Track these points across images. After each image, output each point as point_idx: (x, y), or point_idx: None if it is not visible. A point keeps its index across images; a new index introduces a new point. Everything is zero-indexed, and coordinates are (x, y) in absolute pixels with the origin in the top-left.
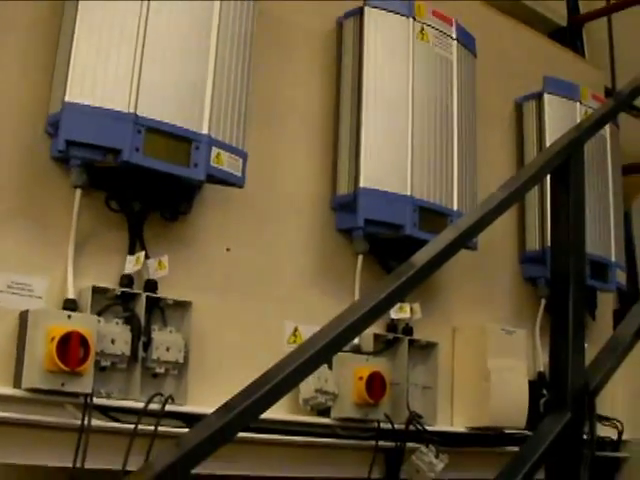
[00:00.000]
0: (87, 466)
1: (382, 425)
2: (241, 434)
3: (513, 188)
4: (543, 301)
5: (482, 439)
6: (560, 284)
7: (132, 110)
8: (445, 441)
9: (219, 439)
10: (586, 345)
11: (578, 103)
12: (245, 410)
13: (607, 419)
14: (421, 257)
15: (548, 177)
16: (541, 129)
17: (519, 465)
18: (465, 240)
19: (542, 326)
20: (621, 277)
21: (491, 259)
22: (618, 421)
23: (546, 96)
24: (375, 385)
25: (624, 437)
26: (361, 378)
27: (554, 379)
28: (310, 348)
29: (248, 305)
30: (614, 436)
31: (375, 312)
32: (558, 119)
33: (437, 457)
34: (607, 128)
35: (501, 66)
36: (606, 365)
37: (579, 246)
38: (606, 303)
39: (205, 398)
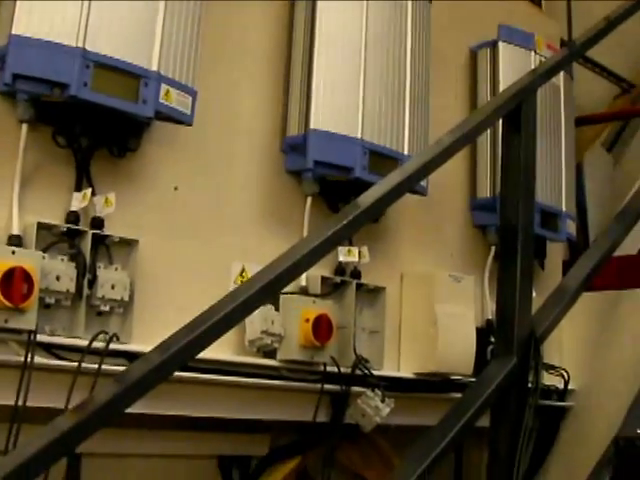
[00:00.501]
0: (29, 404)
1: (328, 368)
2: (186, 374)
3: (462, 132)
4: (493, 249)
5: (429, 385)
6: (509, 231)
7: (81, 45)
8: (391, 386)
9: (157, 376)
10: (535, 294)
11: (532, 52)
12: (184, 348)
13: (553, 368)
14: (367, 198)
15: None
16: (495, 77)
17: (463, 408)
18: (412, 183)
19: (491, 274)
20: (571, 228)
21: (442, 206)
22: (564, 370)
23: (501, 44)
24: (321, 327)
25: (570, 386)
26: (307, 320)
27: (501, 325)
28: (252, 286)
29: (195, 245)
30: (560, 385)
31: (319, 251)
32: (512, 67)
33: (383, 401)
34: (561, 79)
35: (457, 13)
36: (552, 313)
37: (529, 192)
38: (556, 253)
39: (150, 337)
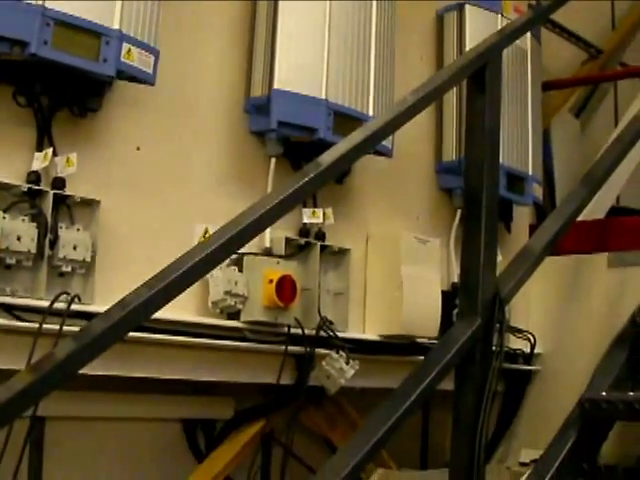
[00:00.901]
0: None
1: (292, 330)
2: (150, 335)
3: (426, 91)
4: (459, 212)
5: (394, 347)
6: (473, 193)
7: (40, 2)
8: (356, 348)
9: (117, 333)
10: (501, 257)
11: (499, 15)
12: (144, 304)
13: (520, 331)
14: (329, 156)
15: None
16: (461, 40)
17: (427, 370)
18: (375, 141)
19: (457, 237)
20: (538, 191)
21: (408, 168)
22: (531, 334)
23: (467, 7)
24: (285, 288)
25: (536, 350)
26: (271, 281)
27: (465, 287)
28: (212, 243)
29: (158, 206)
30: (527, 349)
31: (280, 209)
32: (479, 30)
33: (348, 363)
34: (529, 44)
35: None
36: (517, 275)
37: (494, 154)
38: (522, 217)
39: (112, 298)
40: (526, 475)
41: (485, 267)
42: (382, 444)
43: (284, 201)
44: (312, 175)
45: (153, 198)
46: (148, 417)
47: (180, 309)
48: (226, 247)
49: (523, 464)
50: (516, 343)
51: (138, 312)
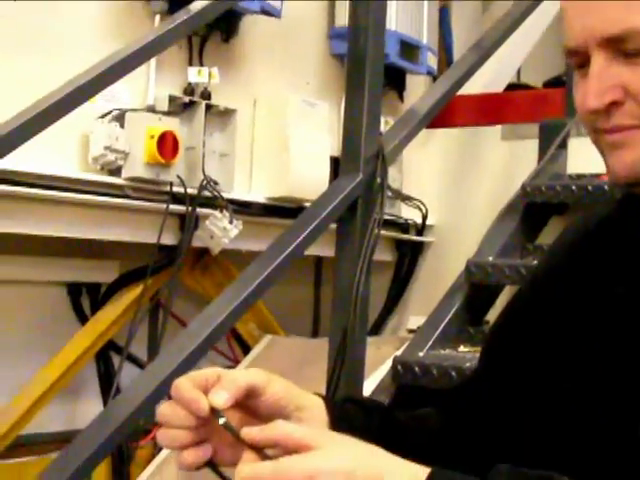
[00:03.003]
0: None
1: (175, 188)
2: (29, 190)
3: None
4: None
5: (280, 210)
6: (357, 54)
7: None
8: (242, 210)
9: None
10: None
11: None
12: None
13: (410, 199)
14: (199, 4)
15: None
16: None
17: (307, 221)
18: None
19: None
20: (432, 61)
21: (299, 32)
22: (422, 203)
23: None
24: (167, 144)
25: (429, 222)
26: (152, 137)
27: (347, 145)
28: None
29: None
30: (418, 220)
31: (142, 55)
32: None
33: (231, 223)
34: None
35: None
36: (400, 135)
37: (380, 15)
38: (417, 87)
39: None
40: (410, 339)
41: (368, 127)
42: (253, 298)
43: (149, 45)
44: (179, 21)
45: None
46: (32, 280)
47: (60, 164)
48: (84, 91)
49: (411, 331)
50: (408, 213)
51: None
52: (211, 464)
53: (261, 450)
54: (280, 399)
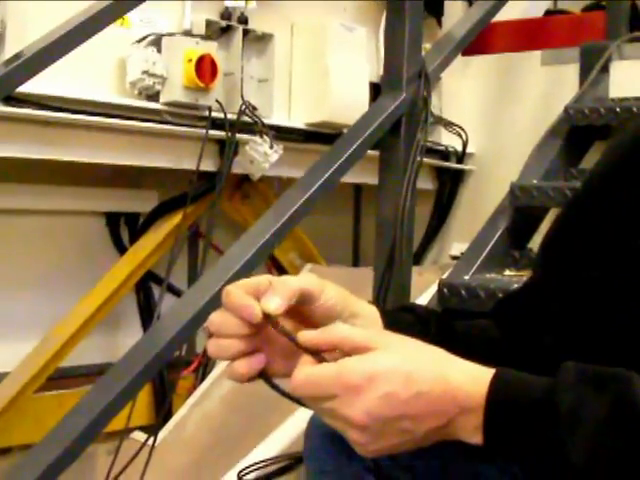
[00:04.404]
0: None
1: (214, 113)
2: (62, 115)
3: None
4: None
5: (319, 136)
6: None
7: None
8: (281, 136)
9: None
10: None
11: None
12: None
13: (451, 124)
14: None
15: None
16: None
17: (349, 142)
18: None
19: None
20: None
21: None
22: (462, 129)
23: None
24: (205, 67)
25: (470, 150)
26: (190, 60)
27: (389, 65)
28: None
29: None
30: (459, 147)
31: None
32: None
33: (272, 148)
34: None
35: None
36: (442, 54)
37: None
38: (455, 13)
39: None
40: (455, 264)
41: (410, 45)
42: (291, 223)
43: None
44: None
45: None
46: (70, 210)
47: (97, 89)
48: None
49: (454, 258)
50: (448, 140)
51: None
52: (264, 375)
53: (318, 354)
54: (335, 305)
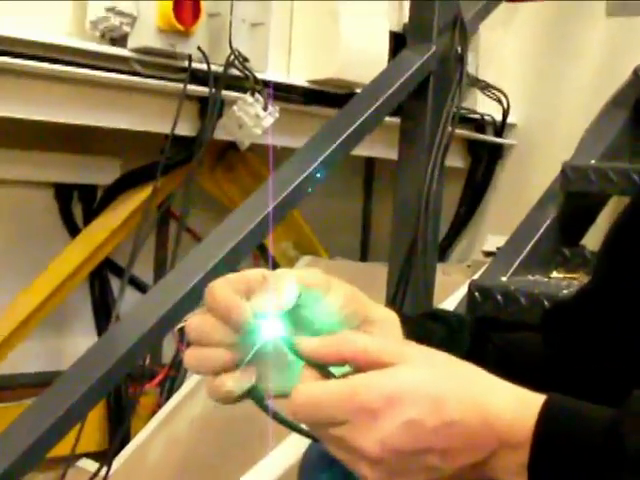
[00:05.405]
0: None
1: (194, 64)
2: (9, 60)
3: None
4: None
5: (326, 97)
6: None
7: None
8: (278, 95)
9: None
10: None
11: None
12: None
13: (490, 88)
14: None
15: None
16: None
17: (363, 105)
18: None
19: None
20: None
21: None
22: (503, 94)
23: None
24: (185, 7)
25: (511, 120)
26: None
27: (416, 10)
28: None
29: None
30: (498, 116)
31: None
32: None
33: (266, 110)
34: None
35: None
36: (478, 3)
37: None
38: None
39: None
40: (489, 262)
41: None
42: (288, 206)
43: None
44: None
45: None
46: (10, 180)
47: (49, 28)
48: None
49: (489, 254)
50: (485, 108)
51: None
52: (254, 394)
53: (323, 368)
54: (343, 308)
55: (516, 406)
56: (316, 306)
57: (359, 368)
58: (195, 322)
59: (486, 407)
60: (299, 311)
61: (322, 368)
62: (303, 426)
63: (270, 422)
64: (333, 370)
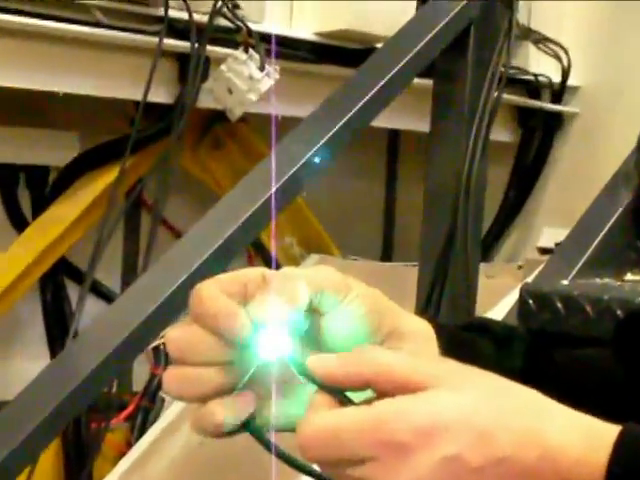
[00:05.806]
0: None
1: (172, 13)
2: None
3: None
4: None
5: (338, 53)
6: None
7: None
8: (278, 52)
9: None
10: None
11: None
12: None
13: (546, 41)
14: None
15: None
16: None
17: (385, 63)
18: None
19: None
20: None
21: None
22: (563, 49)
23: None
24: None
25: (573, 82)
26: None
27: None
28: None
29: None
30: (556, 77)
31: None
32: None
33: (262, 70)
34: None
35: None
36: None
37: None
38: None
39: None
40: (546, 261)
41: None
42: (291, 191)
43: None
44: None
45: None
46: None
47: None
48: None
49: (545, 251)
50: (540, 66)
51: None
52: (251, 426)
53: (340, 392)
54: (365, 316)
55: (582, 438)
56: (331, 314)
57: (384, 392)
58: (177, 334)
59: (545, 439)
60: (310, 321)
61: (339, 393)
62: (315, 466)
63: (273, 462)
64: (351, 396)
